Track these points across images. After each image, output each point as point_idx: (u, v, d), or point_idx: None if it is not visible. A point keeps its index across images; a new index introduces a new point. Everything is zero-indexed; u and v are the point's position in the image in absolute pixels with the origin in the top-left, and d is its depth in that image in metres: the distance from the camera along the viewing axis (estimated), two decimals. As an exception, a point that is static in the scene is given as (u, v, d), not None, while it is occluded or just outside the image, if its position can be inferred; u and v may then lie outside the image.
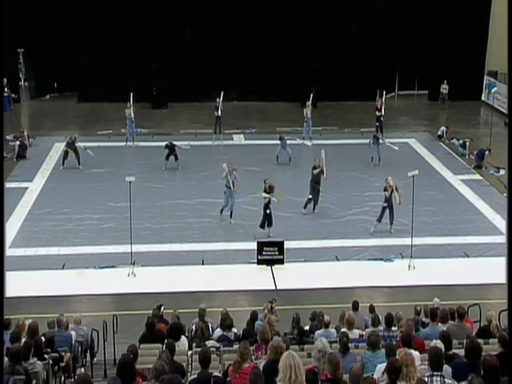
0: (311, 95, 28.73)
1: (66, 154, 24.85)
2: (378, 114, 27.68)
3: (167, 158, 24.63)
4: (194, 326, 12.74)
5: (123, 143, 27.32)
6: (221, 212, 20.65)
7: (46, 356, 10.56)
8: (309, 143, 27.49)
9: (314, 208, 21.17)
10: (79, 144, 24.97)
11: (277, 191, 19.60)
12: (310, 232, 20.05)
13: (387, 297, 16.72)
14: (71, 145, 24.85)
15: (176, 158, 24.59)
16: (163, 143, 24.96)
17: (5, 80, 30.52)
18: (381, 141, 25.45)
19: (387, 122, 28.54)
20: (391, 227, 19.82)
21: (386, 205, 19.60)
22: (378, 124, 27.72)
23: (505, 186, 22.55)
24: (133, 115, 26.87)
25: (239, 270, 18.02)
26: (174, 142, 24.85)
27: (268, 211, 19.32)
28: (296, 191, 21.49)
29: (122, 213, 20.04)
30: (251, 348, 9.26)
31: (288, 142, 25.50)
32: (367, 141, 25.50)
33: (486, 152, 25.52)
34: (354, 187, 22.56)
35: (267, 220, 19.41)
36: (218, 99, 27.59)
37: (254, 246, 18.31)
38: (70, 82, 33.86)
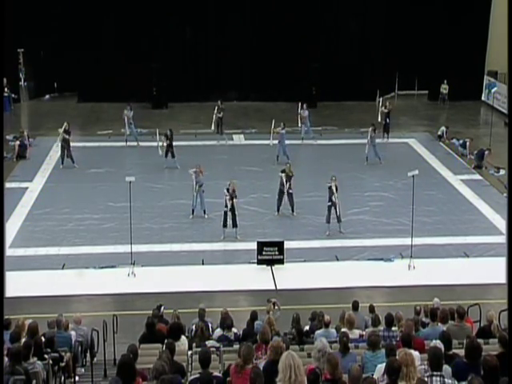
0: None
1: (62, 150, 24.75)
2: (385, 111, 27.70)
3: (166, 155, 24.61)
4: (193, 326, 12.73)
5: (123, 143, 27.30)
6: (204, 212, 20.77)
7: (46, 356, 10.55)
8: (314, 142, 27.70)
9: (277, 210, 21.06)
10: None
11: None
12: (310, 232, 20.06)
13: (387, 297, 16.72)
14: (67, 135, 24.57)
15: (173, 156, 24.59)
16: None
17: (5, 80, 30.50)
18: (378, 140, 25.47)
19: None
20: (340, 226, 19.82)
21: (330, 204, 19.61)
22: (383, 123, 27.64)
23: (505, 186, 22.54)
24: (131, 117, 26.90)
25: (239, 269, 18.02)
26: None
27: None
28: (296, 191, 21.44)
29: (121, 213, 20.02)
30: (251, 348, 9.25)
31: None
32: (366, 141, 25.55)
33: (486, 152, 25.52)
34: (353, 187, 22.55)
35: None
36: (219, 101, 27.75)
37: (253, 246, 18.30)
38: (70, 82, 33.88)
